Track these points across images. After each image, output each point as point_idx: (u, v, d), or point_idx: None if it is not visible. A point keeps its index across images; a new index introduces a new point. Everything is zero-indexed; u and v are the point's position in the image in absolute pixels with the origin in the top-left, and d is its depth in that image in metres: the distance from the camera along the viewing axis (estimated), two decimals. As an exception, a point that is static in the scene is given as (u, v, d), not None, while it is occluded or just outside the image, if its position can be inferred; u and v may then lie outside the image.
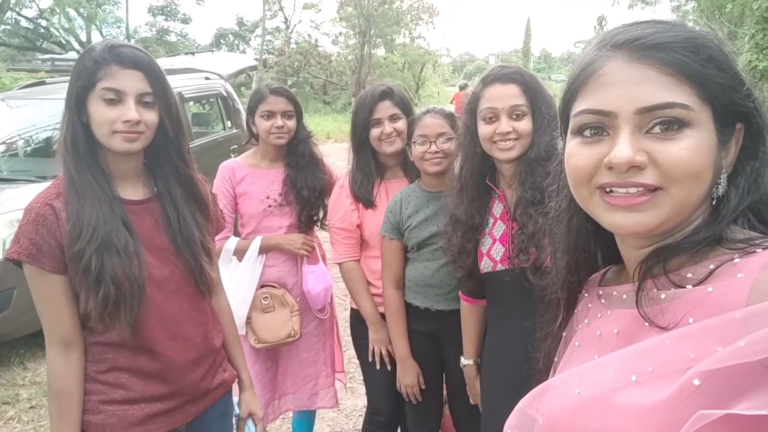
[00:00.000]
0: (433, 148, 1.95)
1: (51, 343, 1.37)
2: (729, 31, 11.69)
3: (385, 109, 2.15)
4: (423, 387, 2.14)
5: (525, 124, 1.59)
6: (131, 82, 1.34)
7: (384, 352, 2.22)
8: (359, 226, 2.23)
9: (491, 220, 1.72)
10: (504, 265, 1.67)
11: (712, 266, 0.66)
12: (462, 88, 14.07)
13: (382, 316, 2.20)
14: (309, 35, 28.02)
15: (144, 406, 1.43)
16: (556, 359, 0.93)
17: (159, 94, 1.39)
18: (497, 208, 1.72)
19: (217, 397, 1.59)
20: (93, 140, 1.37)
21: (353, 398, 3.43)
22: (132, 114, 1.33)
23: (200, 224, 1.53)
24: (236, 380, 1.71)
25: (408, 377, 2.12)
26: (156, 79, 1.38)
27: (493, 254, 1.69)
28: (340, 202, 2.26)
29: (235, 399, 1.74)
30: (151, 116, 1.38)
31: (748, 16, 10.61)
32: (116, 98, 1.34)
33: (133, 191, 1.46)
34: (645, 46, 0.68)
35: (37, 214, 1.32)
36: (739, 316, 0.56)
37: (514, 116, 1.59)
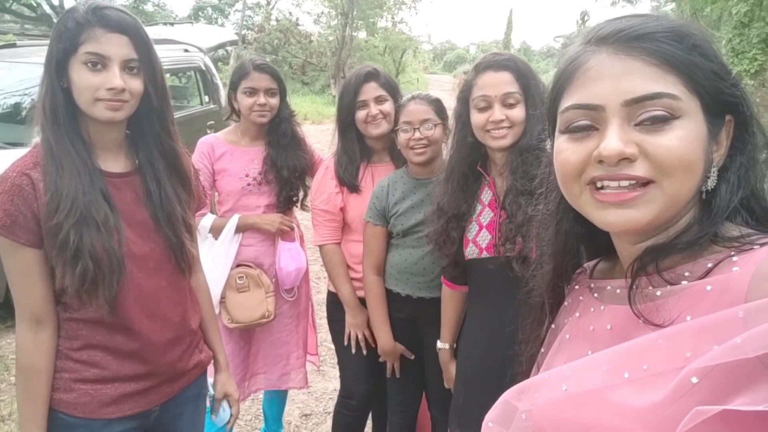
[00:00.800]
0: (417, 135, 1.93)
1: (21, 318, 1.31)
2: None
3: (371, 90, 2.12)
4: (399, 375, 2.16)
5: (518, 112, 1.58)
6: (116, 47, 1.27)
7: (360, 336, 2.21)
8: (342, 210, 2.21)
9: (479, 207, 1.72)
10: (489, 252, 1.67)
11: (709, 264, 0.66)
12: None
13: (361, 301, 2.19)
14: (290, 13, 27.59)
15: (118, 386, 1.39)
16: (543, 350, 0.92)
17: (145, 61, 1.32)
18: (486, 195, 1.71)
19: (192, 378, 1.56)
20: (73, 107, 1.30)
21: (324, 381, 3.43)
22: (117, 81, 1.26)
23: (182, 199, 1.48)
24: (212, 361, 1.68)
25: (390, 359, 2.14)
26: (142, 44, 1.31)
27: (479, 241, 1.69)
28: (324, 184, 2.23)
29: (210, 380, 1.71)
30: (137, 84, 1.31)
31: (725, 20, 10.81)
32: (100, 63, 1.26)
33: (114, 163, 1.39)
34: (629, 37, 0.68)
35: (13, 184, 1.25)
36: (742, 314, 0.56)
37: (507, 104, 1.57)
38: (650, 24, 0.68)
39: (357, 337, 2.22)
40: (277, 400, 2.75)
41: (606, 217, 0.70)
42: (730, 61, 9.34)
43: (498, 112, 1.56)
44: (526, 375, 0.95)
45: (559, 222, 0.85)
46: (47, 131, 1.29)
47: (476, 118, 1.60)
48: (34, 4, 20.89)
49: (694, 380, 0.56)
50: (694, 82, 0.67)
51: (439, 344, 1.98)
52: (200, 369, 1.60)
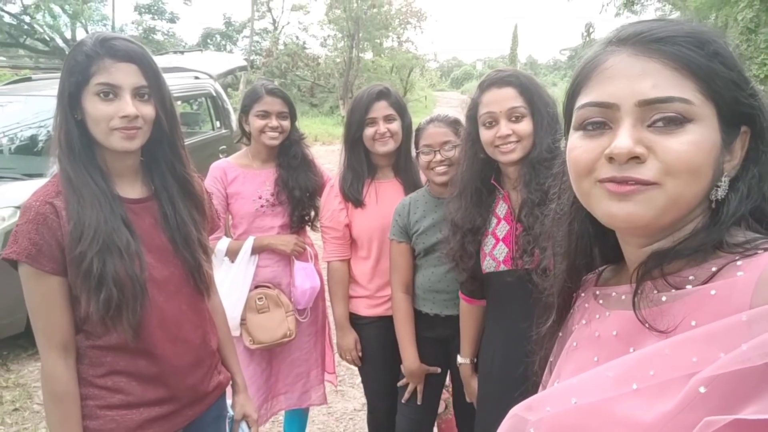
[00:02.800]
0: (438, 157, 1.96)
1: (50, 347, 1.31)
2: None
3: (381, 109, 2.16)
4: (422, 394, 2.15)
5: (525, 126, 1.59)
6: (126, 75, 1.30)
7: (349, 358, 2.27)
8: (348, 226, 2.23)
9: (494, 221, 1.72)
10: (507, 265, 1.67)
11: (714, 269, 0.65)
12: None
13: (387, 317, 2.19)
14: (297, 37, 27.93)
15: (143, 411, 1.39)
16: (552, 359, 0.92)
17: (154, 87, 1.35)
18: (501, 209, 1.72)
19: (213, 400, 1.57)
20: (88, 138, 1.33)
21: (343, 401, 3.41)
22: (129, 109, 1.29)
23: (197, 222, 1.50)
24: (230, 383, 1.68)
25: (415, 380, 2.14)
26: (151, 71, 1.34)
27: (496, 254, 1.70)
28: (329, 202, 2.27)
29: (229, 402, 1.72)
30: (148, 110, 1.34)
31: (731, 26, 10.79)
32: (111, 93, 1.29)
33: (131, 190, 1.42)
34: (649, 39, 0.68)
35: (38, 213, 1.27)
36: (745, 319, 0.56)
37: (513, 119, 1.59)
38: (672, 28, 0.69)
39: (351, 358, 2.27)
40: (297, 420, 2.74)
41: (610, 209, 0.70)
42: (738, 67, 9.34)
43: (504, 128, 1.59)
44: (539, 375, 0.95)
45: (571, 222, 0.86)
46: (65, 163, 1.31)
47: (484, 135, 1.63)
48: (48, 39, 21.39)
49: (702, 390, 0.56)
50: (712, 89, 0.67)
51: (459, 359, 1.97)
52: (220, 390, 1.61)
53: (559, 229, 0.89)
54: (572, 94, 0.76)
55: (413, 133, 2.18)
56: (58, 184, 1.32)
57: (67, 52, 1.42)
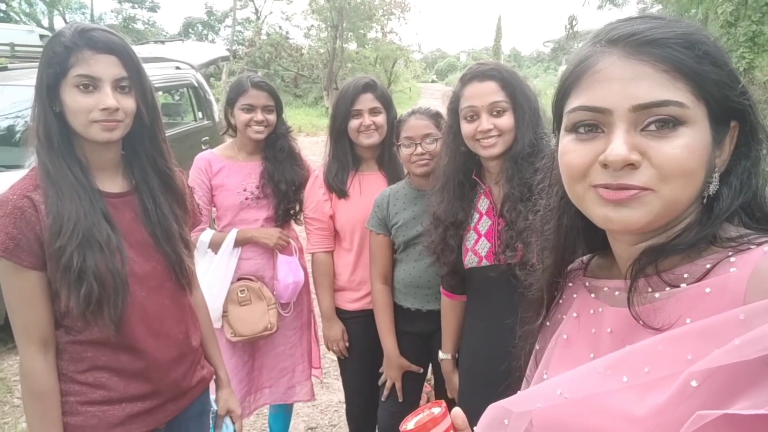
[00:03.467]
0: (419, 150, 1.95)
1: (29, 342, 1.29)
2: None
3: (367, 101, 2.15)
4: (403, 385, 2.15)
5: (506, 120, 1.59)
6: (106, 67, 1.28)
7: (336, 348, 2.27)
8: (332, 217, 2.23)
9: (476, 216, 1.72)
10: (489, 260, 1.67)
11: (708, 266, 0.66)
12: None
13: (369, 312, 2.19)
14: (280, 27, 27.70)
15: (125, 406, 1.38)
16: (538, 347, 0.93)
17: (135, 79, 1.33)
18: (483, 204, 1.72)
19: (196, 395, 1.56)
20: (68, 130, 1.30)
21: (328, 394, 3.42)
22: (110, 101, 1.27)
23: (178, 216, 1.49)
24: (213, 377, 1.67)
25: (393, 372, 2.13)
26: (131, 63, 1.32)
27: (478, 249, 1.69)
28: (313, 193, 2.26)
29: (212, 396, 1.71)
30: (129, 102, 1.32)
31: (712, 20, 10.92)
32: (91, 85, 1.27)
33: (112, 184, 1.40)
34: (640, 41, 0.67)
35: (15, 206, 1.24)
36: (743, 317, 0.56)
37: (494, 113, 1.59)
38: (662, 29, 0.68)
39: (339, 349, 2.26)
40: (282, 414, 2.73)
41: (606, 214, 0.70)
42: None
43: (485, 122, 1.58)
44: (523, 370, 0.95)
45: (560, 216, 0.85)
46: (43, 156, 1.28)
47: (465, 128, 1.62)
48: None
49: (694, 384, 0.56)
50: (703, 89, 0.67)
51: (441, 355, 1.97)
52: (203, 386, 1.60)
53: (548, 223, 0.88)
54: (563, 95, 0.76)
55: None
56: (36, 177, 1.29)
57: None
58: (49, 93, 1.27)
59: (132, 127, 1.36)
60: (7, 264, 1.24)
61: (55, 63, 1.26)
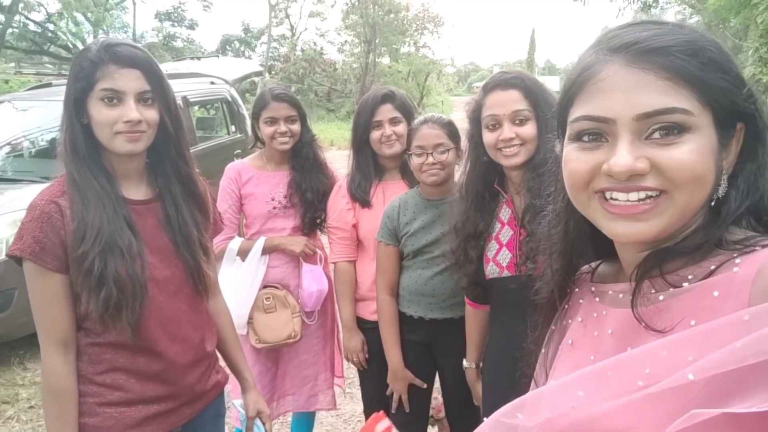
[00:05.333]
0: (430, 159, 1.93)
1: (49, 343, 1.34)
2: (733, 45, 11.71)
3: (386, 111, 2.18)
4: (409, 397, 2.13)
5: (528, 129, 1.56)
6: (130, 81, 1.33)
7: (356, 360, 2.27)
8: (355, 227, 2.25)
9: (498, 225, 1.70)
10: (510, 271, 1.65)
11: (712, 267, 0.65)
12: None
13: (372, 323, 2.20)
14: (314, 43, 28.18)
15: (141, 408, 1.41)
16: (543, 350, 0.92)
17: (158, 91, 1.37)
18: (505, 214, 1.70)
19: (211, 399, 1.59)
20: (94, 141, 1.36)
21: (352, 403, 3.42)
22: (133, 114, 1.32)
23: (198, 223, 1.52)
24: (228, 382, 1.69)
25: (398, 385, 2.11)
26: (154, 76, 1.37)
27: (499, 260, 1.67)
28: (336, 202, 2.29)
29: (238, 402, 1.73)
30: (152, 114, 1.37)
31: (752, 29, 10.64)
32: (116, 98, 1.32)
33: (137, 191, 1.45)
34: (643, 50, 0.67)
35: (42, 211, 1.30)
36: (747, 318, 0.56)
37: (516, 122, 1.56)
38: (665, 36, 0.67)
39: (358, 360, 2.26)
40: (305, 422, 2.75)
41: (615, 228, 0.70)
42: (758, 71, 9.20)
43: (507, 131, 1.56)
44: (531, 375, 0.95)
45: (567, 221, 0.85)
46: (70, 165, 1.34)
47: (487, 137, 1.60)
48: (71, 46, 21.81)
49: (691, 377, 0.55)
50: (708, 96, 0.66)
51: (465, 363, 1.96)
52: (218, 390, 1.63)
53: (556, 228, 0.88)
54: (566, 104, 0.76)
55: None
56: (64, 184, 1.35)
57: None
58: (76, 106, 1.33)
59: (157, 136, 1.41)
60: (33, 266, 1.29)
61: (83, 77, 1.32)
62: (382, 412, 1.10)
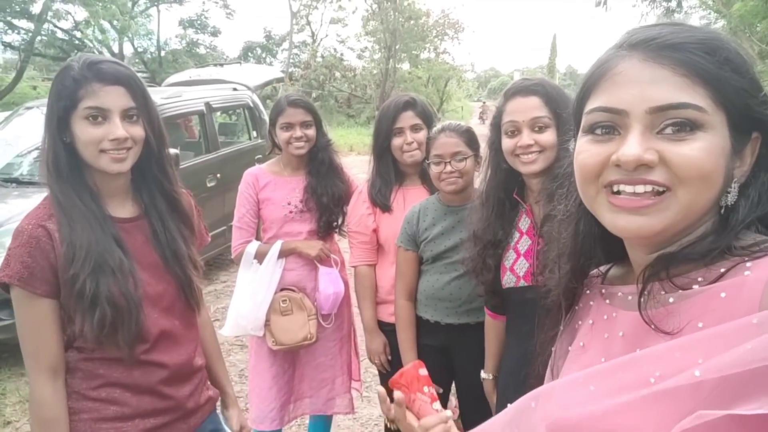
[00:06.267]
0: (449, 168, 1.94)
1: (38, 370, 1.31)
2: (760, 50, 11.51)
3: (408, 118, 2.20)
4: None
5: (548, 137, 1.54)
6: (114, 98, 1.31)
7: (378, 362, 2.28)
8: (375, 231, 2.28)
9: (517, 234, 1.68)
10: (527, 281, 1.63)
11: (722, 270, 0.65)
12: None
13: (391, 325, 2.21)
14: (335, 49, 28.36)
15: (138, 422, 1.40)
16: (552, 351, 0.93)
17: (142, 107, 1.36)
18: (524, 223, 1.68)
19: (206, 414, 1.59)
20: (77, 160, 1.33)
21: (369, 407, 3.43)
22: (119, 132, 1.30)
23: (185, 237, 1.52)
24: (219, 397, 1.68)
25: None
26: (138, 92, 1.35)
27: (516, 269, 1.66)
28: (357, 207, 2.33)
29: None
30: (138, 131, 1.35)
31: (778, 34, 10.44)
32: (100, 116, 1.30)
33: (122, 209, 1.43)
34: (660, 45, 0.68)
35: (30, 236, 1.27)
36: (756, 321, 0.56)
37: (536, 129, 1.54)
38: (683, 34, 0.68)
39: (380, 362, 2.27)
40: (322, 425, 2.77)
41: (617, 222, 0.70)
42: (784, 76, 9.03)
43: (526, 137, 1.54)
44: (540, 378, 0.95)
45: (578, 222, 0.85)
46: (53, 186, 1.32)
47: (506, 143, 1.59)
48: (97, 53, 22.21)
49: (697, 373, 0.56)
50: (722, 96, 0.66)
51: (482, 374, 1.95)
52: (211, 405, 1.62)
53: (566, 229, 0.88)
54: (582, 98, 0.76)
55: None
56: (50, 206, 1.33)
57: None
58: (59, 125, 1.30)
59: (141, 153, 1.39)
60: (22, 292, 1.27)
61: (65, 96, 1.29)
62: (420, 360, 1.14)
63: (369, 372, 3.39)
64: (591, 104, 0.73)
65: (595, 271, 0.89)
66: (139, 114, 1.35)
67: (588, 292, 0.87)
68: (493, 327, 1.88)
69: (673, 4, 15.07)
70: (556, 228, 0.93)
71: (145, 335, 1.38)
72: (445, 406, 2.22)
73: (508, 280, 1.67)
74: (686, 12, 16.48)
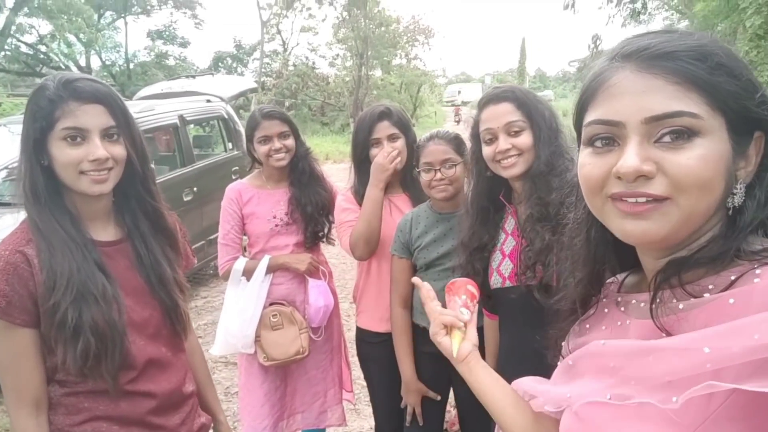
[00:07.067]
0: (438, 175, 1.95)
1: (20, 404, 1.24)
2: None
3: (384, 129, 2.19)
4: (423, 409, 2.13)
5: (524, 139, 1.59)
6: (93, 117, 1.25)
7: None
8: None
9: (503, 236, 1.72)
10: (512, 281, 1.66)
11: (732, 277, 0.66)
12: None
13: (384, 335, 2.20)
14: (306, 57, 28.36)
15: None
16: (563, 354, 0.93)
17: (123, 126, 1.30)
18: (509, 224, 1.72)
19: None
20: (56, 183, 1.27)
21: (359, 419, 3.40)
22: (100, 152, 1.24)
23: (171, 260, 1.46)
24: (212, 424, 1.63)
25: (412, 398, 2.11)
26: (118, 110, 1.29)
27: (502, 270, 1.69)
28: (342, 204, 2.29)
29: None
30: (119, 150, 1.29)
31: (740, 33, 10.76)
32: (79, 137, 1.24)
33: (104, 232, 1.37)
34: (652, 55, 0.69)
35: (7, 262, 1.20)
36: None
37: (512, 133, 1.59)
38: (674, 42, 0.69)
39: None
40: (314, 439, 2.74)
41: (624, 227, 0.71)
42: (748, 74, 9.29)
43: (503, 142, 1.58)
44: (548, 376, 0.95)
45: (589, 229, 0.86)
46: (31, 211, 1.26)
47: (485, 151, 1.63)
48: (63, 67, 21.85)
49: (707, 350, 0.58)
50: (718, 100, 0.67)
51: None
52: None
53: (578, 236, 0.89)
54: (580, 110, 0.78)
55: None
56: (28, 231, 1.26)
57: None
58: (36, 147, 1.24)
59: (123, 173, 1.34)
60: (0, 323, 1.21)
61: (41, 117, 1.23)
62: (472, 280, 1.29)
63: (357, 383, 3.36)
64: (589, 117, 0.75)
65: (611, 279, 0.90)
66: (119, 132, 1.30)
67: (604, 299, 0.88)
68: (490, 327, 1.90)
69: (638, 5, 15.40)
70: (566, 236, 0.94)
71: (131, 364, 1.32)
72: (443, 413, 2.21)
73: (495, 281, 1.70)
74: (650, 13, 16.88)
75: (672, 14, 17.19)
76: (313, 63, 27.58)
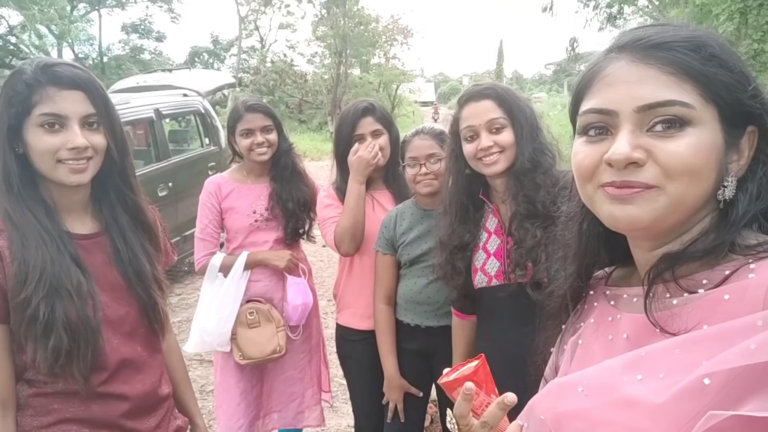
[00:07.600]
0: (423, 170, 1.96)
1: None
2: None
3: (367, 125, 2.17)
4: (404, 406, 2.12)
5: (506, 136, 1.59)
6: (72, 104, 1.19)
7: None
8: None
9: (485, 235, 1.71)
10: (499, 280, 1.65)
11: (727, 272, 0.65)
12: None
13: (366, 332, 2.18)
14: (284, 54, 28.17)
15: None
16: (553, 349, 0.93)
17: (103, 114, 1.24)
18: (491, 223, 1.71)
19: None
20: (30, 172, 1.22)
21: (337, 417, 3.38)
22: (79, 140, 1.18)
23: (150, 255, 1.41)
24: (189, 426, 1.57)
25: (394, 394, 2.10)
26: (99, 98, 1.24)
27: (487, 269, 1.68)
28: (326, 205, 2.25)
29: None
30: (99, 139, 1.24)
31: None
32: (57, 123, 1.18)
33: (81, 225, 1.32)
34: (647, 46, 0.70)
35: None
36: (761, 323, 0.56)
37: (493, 130, 1.59)
38: (669, 33, 0.70)
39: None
40: (291, 438, 2.70)
41: (612, 212, 0.71)
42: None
43: (485, 140, 1.58)
44: (541, 373, 0.96)
45: (581, 222, 0.87)
46: (2, 200, 1.20)
47: (467, 148, 1.63)
48: (34, 59, 21.30)
49: (707, 381, 0.56)
50: (711, 91, 0.67)
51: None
52: None
53: (570, 230, 0.90)
54: (576, 100, 0.78)
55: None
56: (0, 221, 1.20)
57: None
58: (10, 134, 1.19)
59: (102, 164, 1.29)
60: None
61: (17, 102, 1.17)
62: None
63: (335, 381, 3.34)
64: (584, 106, 0.76)
65: (599, 273, 0.90)
66: (99, 121, 1.24)
67: (592, 293, 0.88)
68: (461, 327, 1.88)
69: (615, 10, 15.65)
70: (559, 231, 0.94)
71: (104, 364, 1.26)
72: (424, 411, 2.20)
73: (480, 281, 1.69)
74: (626, 18, 17.16)
75: (646, 20, 17.50)
76: (292, 60, 27.42)
